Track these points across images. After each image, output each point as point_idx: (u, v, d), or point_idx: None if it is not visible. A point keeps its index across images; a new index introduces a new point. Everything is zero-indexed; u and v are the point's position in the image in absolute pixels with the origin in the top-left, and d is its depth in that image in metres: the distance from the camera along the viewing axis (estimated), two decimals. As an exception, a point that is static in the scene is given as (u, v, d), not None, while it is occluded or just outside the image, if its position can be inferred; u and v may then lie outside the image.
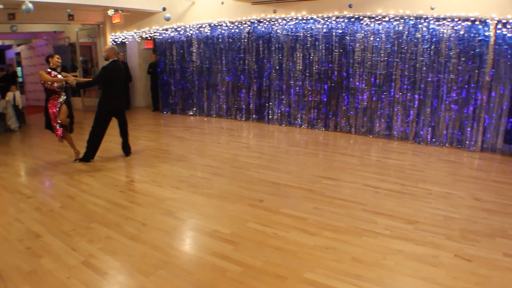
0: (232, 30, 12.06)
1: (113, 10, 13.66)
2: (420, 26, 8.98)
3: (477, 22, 8.37)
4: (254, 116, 12.14)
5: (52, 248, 4.53)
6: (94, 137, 8.16)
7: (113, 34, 15.35)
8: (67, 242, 4.66)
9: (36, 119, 15.50)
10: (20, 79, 21.83)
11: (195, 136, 10.43)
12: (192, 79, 13.47)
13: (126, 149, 8.60)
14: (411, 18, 9.04)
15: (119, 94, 8.17)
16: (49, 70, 7.90)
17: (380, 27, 9.47)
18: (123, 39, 15.20)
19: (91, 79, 8.71)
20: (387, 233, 4.71)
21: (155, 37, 14.35)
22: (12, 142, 10.99)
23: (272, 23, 11.14)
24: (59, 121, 7.98)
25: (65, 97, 8.04)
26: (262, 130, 10.96)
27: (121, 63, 8.28)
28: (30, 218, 5.42)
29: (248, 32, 11.74)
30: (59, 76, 7.92)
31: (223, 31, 12.29)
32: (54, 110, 7.92)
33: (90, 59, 17.18)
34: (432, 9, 8.68)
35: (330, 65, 10.34)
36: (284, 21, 10.87)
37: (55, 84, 7.84)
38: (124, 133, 8.50)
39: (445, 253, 4.29)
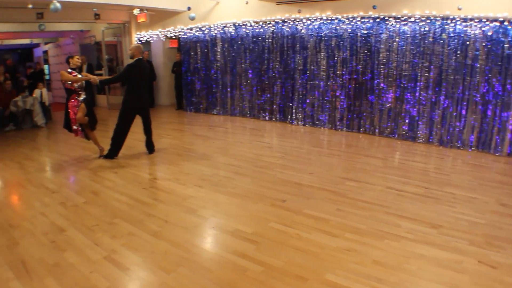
0: (257, 30, 12.09)
1: (138, 9, 13.80)
2: (446, 27, 8.84)
3: (506, 23, 8.19)
4: (277, 116, 12.13)
5: (76, 243, 4.60)
6: (118, 134, 8.26)
7: (138, 33, 15.51)
8: (90, 237, 4.73)
9: (62, 116, 15.65)
10: (47, 77, 22.18)
11: (218, 135, 10.48)
12: (216, 78, 13.53)
13: (150, 147, 8.68)
14: (437, 18, 8.90)
15: (143, 92, 8.25)
16: (69, 70, 8.00)
17: (406, 27, 9.35)
18: (148, 38, 15.33)
19: (113, 76, 8.84)
20: (410, 237, 4.65)
21: (179, 36, 14.45)
22: (39, 138, 11.16)
23: (297, 23, 11.11)
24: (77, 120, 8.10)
25: (85, 96, 8.13)
26: (285, 130, 10.95)
27: (146, 62, 8.33)
28: (54, 213, 5.51)
29: (273, 32, 11.74)
30: (80, 76, 8.02)
31: (247, 31, 12.33)
32: (75, 109, 8.03)
33: (115, 58, 17.38)
34: (460, 9, 8.52)
35: (354, 65, 10.26)
36: (309, 21, 10.83)
37: (75, 84, 7.95)
38: (148, 131, 8.59)
39: (469, 259, 4.22)
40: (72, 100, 8.00)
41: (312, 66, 10.99)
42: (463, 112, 8.89)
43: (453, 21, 8.72)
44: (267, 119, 12.38)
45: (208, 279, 3.85)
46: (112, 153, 8.33)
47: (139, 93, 8.18)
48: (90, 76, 8.14)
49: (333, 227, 4.89)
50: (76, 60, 8.11)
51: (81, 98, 8.05)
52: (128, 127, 8.29)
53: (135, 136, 9.76)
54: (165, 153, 8.71)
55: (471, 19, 8.52)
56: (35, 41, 22.56)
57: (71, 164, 8.09)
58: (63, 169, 7.81)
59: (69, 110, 8.06)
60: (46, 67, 22.88)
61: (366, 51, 10.05)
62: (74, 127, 8.14)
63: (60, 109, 17.74)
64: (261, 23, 11.92)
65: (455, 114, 8.98)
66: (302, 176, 6.89)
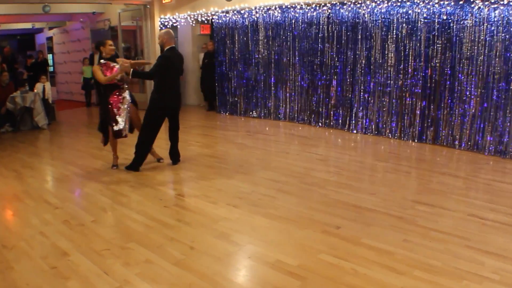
0: (308, 14, 12.15)
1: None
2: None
3: None
4: (333, 121, 12.13)
5: (81, 270, 4.70)
6: (145, 141, 8.31)
7: (162, 16, 15.79)
8: (99, 263, 4.82)
9: (68, 115, 16.14)
10: (51, 69, 22.79)
11: (258, 144, 10.60)
12: (257, 73, 13.68)
13: (175, 156, 8.79)
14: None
15: (176, 89, 8.39)
16: (102, 61, 8.07)
17: (496, 12, 9.22)
18: (174, 23, 15.59)
19: (148, 70, 8.82)
20: (496, 278, 4.58)
21: (213, 20, 14.67)
22: (40, 142, 11.48)
23: (359, 5, 11.11)
24: (125, 127, 8.18)
25: (128, 91, 8.28)
26: (342, 140, 10.96)
27: (177, 51, 8.38)
28: (56, 233, 5.65)
29: (328, 17, 11.77)
30: (117, 66, 8.07)
31: (296, 15, 12.42)
32: (118, 106, 8.11)
33: (133, 46, 17.72)
34: None
35: (430, 60, 10.17)
36: (374, 3, 10.81)
37: (118, 77, 8.04)
38: (174, 137, 8.68)
39: None
40: (114, 96, 8.12)
41: (377, 60, 10.96)
42: None
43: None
44: (320, 125, 12.39)
45: (242, 321, 3.89)
46: (137, 164, 8.37)
47: (172, 89, 8.24)
48: (126, 62, 7.95)
49: (398, 262, 4.85)
50: (109, 47, 8.21)
51: (125, 95, 8.20)
52: (157, 132, 8.39)
53: (157, 142, 9.87)
54: (193, 164, 8.82)
55: None
56: (37, 25, 23.15)
57: (78, 175, 8.30)
58: (68, 180, 8.03)
59: (112, 108, 8.12)
60: (50, 56, 23.52)
61: (445, 41, 9.94)
62: (116, 128, 8.16)
63: (65, 107, 18.25)
64: (314, 5, 11.94)
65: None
66: (361, 197, 6.86)
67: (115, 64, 8.08)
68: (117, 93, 8.12)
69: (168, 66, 7.99)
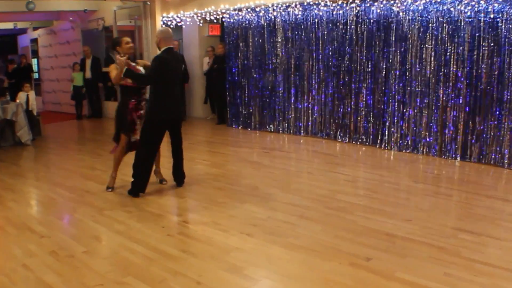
0: (334, 12, 12.21)
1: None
2: None
3: None
4: (362, 136, 12.14)
5: (72, 309, 4.74)
6: (144, 160, 8.16)
7: (164, 14, 15.89)
8: (93, 301, 4.86)
9: (55, 130, 16.24)
10: (35, 75, 22.91)
11: (276, 162, 10.62)
12: (275, 80, 13.73)
13: (179, 176, 8.74)
14: None
15: (176, 97, 8.24)
16: (122, 58, 7.97)
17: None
18: (179, 23, 15.67)
19: (143, 73, 8.48)
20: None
21: (223, 19, 14.75)
22: (23, 160, 11.55)
23: (392, 2, 11.14)
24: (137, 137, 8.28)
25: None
26: (373, 158, 11.01)
27: (175, 53, 8.35)
28: (42, 265, 5.64)
29: (357, 15, 11.82)
30: (141, 69, 8.20)
31: (320, 13, 12.48)
32: (138, 114, 8.24)
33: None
34: None
35: (475, 65, 10.14)
36: (410, 0, 10.84)
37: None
38: (177, 154, 8.58)
39: None
40: (133, 101, 8.19)
41: (414, 66, 10.94)
42: None
43: None
44: (347, 140, 12.41)
45: None
46: (138, 187, 8.21)
47: (171, 98, 8.09)
48: (121, 59, 7.87)
49: (439, 300, 4.84)
50: (126, 45, 8.20)
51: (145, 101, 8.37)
52: (156, 149, 8.34)
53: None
54: (201, 185, 8.85)
55: None
56: (20, 25, 23.27)
57: (67, 198, 8.33)
58: (55, 205, 8.07)
59: (131, 115, 8.20)
60: (34, 61, 23.68)
61: (492, 44, 9.95)
62: (133, 139, 8.29)
63: (52, 120, 18.36)
64: (340, 2, 11.98)
65: None
66: (395, 224, 6.85)
67: (135, 64, 8.19)
68: (137, 99, 8.24)
69: (164, 70, 7.89)
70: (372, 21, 11.59)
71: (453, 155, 10.60)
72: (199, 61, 16.71)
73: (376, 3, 11.40)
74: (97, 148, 12.99)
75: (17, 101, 13.37)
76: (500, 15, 9.76)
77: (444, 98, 10.61)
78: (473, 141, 10.36)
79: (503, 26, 9.74)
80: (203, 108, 17.18)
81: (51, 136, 15.00)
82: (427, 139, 10.98)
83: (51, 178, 9.88)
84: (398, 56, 11.21)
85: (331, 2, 12.08)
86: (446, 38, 10.46)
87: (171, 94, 8.07)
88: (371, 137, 12.01)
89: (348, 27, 12.01)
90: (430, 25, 10.67)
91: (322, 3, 12.22)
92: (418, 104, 11.01)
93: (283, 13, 13.16)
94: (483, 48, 10.01)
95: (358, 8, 11.75)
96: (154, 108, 8.04)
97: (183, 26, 16.17)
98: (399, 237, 6.38)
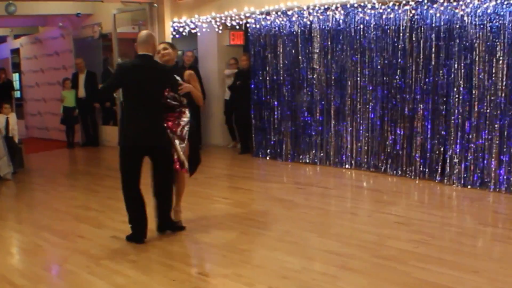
0: (384, 17, 12.18)
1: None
2: None
3: None
4: (418, 168, 12.00)
5: None
6: (124, 195, 8.37)
7: (175, 19, 16.06)
8: None
9: (41, 160, 16.49)
10: (17, 94, 23.15)
11: (312, 201, 10.72)
12: (311, 100, 13.75)
13: (161, 220, 8.69)
14: None
15: (149, 118, 8.15)
16: None
17: None
18: (193, 29, 15.82)
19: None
20: None
21: (248, 25, 14.80)
22: (2, 198, 11.68)
23: (455, 4, 11.05)
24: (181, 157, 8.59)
25: (189, 117, 8.71)
26: (431, 194, 11.04)
27: (153, 62, 8.33)
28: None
29: (412, 20, 11.77)
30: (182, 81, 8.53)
31: (367, 18, 12.47)
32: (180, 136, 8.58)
33: (135, 62, 18.19)
34: None
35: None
36: (477, 1, 10.75)
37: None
38: (159, 191, 8.62)
39: None
40: (169, 122, 8.53)
41: (482, 82, 10.81)
42: None
43: None
44: (400, 173, 12.30)
45: None
46: (132, 230, 8.35)
47: (138, 119, 8.11)
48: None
49: None
50: (163, 52, 8.53)
51: (186, 119, 8.64)
52: (131, 181, 8.33)
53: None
54: (220, 229, 8.99)
55: None
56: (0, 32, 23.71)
57: (56, 245, 8.54)
58: (41, 253, 8.25)
59: (172, 137, 8.54)
60: (16, 76, 23.91)
61: None
62: (177, 166, 8.55)
63: (39, 149, 18.58)
64: (391, 4, 11.93)
65: None
66: (458, 277, 6.83)
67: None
68: (175, 115, 8.59)
69: (122, 81, 8.17)
70: (430, 27, 11.52)
71: (531, 192, 10.57)
72: (218, 76, 16.80)
73: (435, 5, 11.31)
74: (92, 184, 13.09)
75: (-5, 125, 13.66)
76: None
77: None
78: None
79: None
80: (223, 134, 17.23)
81: (36, 168, 15.23)
82: (498, 172, 10.82)
83: (37, 220, 9.97)
84: (462, 70, 11.04)
85: (380, 4, 12.06)
86: (522, 48, 10.44)
87: (139, 113, 8.13)
88: (428, 169, 11.92)
89: (401, 34, 11.98)
90: (502, 32, 10.54)
91: (369, 5, 12.22)
92: (487, 129, 10.86)
93: (321, 17, 13.18)
94: None
95: (413, 12, 11.70)
96: (120, 131, 8.51)
97: (199, 34, 16.37)
98: (462, 293, 6.49)
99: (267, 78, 14.62)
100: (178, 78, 8.43)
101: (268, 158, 14.93)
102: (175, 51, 8.70)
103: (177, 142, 8.52)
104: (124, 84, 8.13)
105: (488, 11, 10.74)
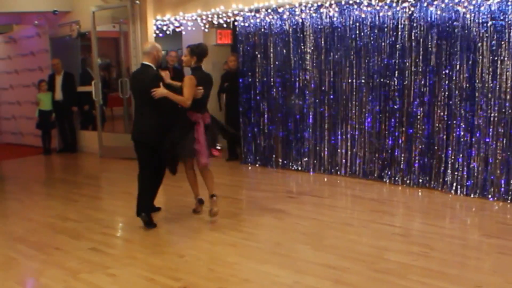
0: (381, 14, 12.18)
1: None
2: None
3: None
4: (417, 176, 12.02)
5: None
6: (143, 181, 9.89)
7: (159, 17, 15.98)
8: None
9: (15, 167, 16.44)
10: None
11: (304, 210, 10.69)
12: (303, 104, 13.74)
13: (138, 205, 9.77)
14: None
15: (143, 116, 9.84)
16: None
17: None
18: (177, 27, 15.82)
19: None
20: None
21: (236, 24, 14.81)
22: (-26, 208, 11.76)
23: (455, 1, 11.04)
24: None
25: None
26: (432, 204, 11.00)
27: (147, 70, 9.33)
28: None
29: (410, 19, 11.77)
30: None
31: (363, 15, 12.45)
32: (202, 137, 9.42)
33: (115, 63, 18.05)
34: None
35: None
36: (478, -2, 10.83)
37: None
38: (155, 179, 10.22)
39: None
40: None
41: (486, 84, 10.77)
42: None
43: None
44: (398, 181, 12.30)
45: None
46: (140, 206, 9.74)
47: (136, 117, 10.22)
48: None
49: None
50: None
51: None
52: (146, 169, 9.85)
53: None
54: (205, 241, 8.99)
55: None
56: (-32, 32, 23.60)
57: (31, 258, 8.44)
58: (15, 266, 8.18)
59: (197, 139, 9.44)
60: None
61: None
62: (203, 161, 9.59)
63: (12, 155, 18.58)
64: (389, 1, 11.91)
65: None
66: None
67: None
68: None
69: (130, 86, 9.73)
70: (430, 25, 11.50)
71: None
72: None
73: (435, 2, 11.29)
74: (69, 193, 12.98)
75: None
76: None
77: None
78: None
79: None
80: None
81: (10, 176, 15.19)
82: (502, 181, 10.82)
83: (10, 231, 9.92)
84: (464, 72, 11.02)
85: (377, 1, 12.03)
86: (529, 47, 10.44)
87: (137, 114, 10.13)
88: (428, 177, 11.88)
89: (399, 33, 11.94)
90: (507, 30, 10.52)
91: (365, 2, 12.18)
92: (490, 134, 10.83)
93: (314, 15, 13.15)
94: None
95: (412, 9, 11.67)
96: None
97: (183, 33, 16.37)
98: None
99: (257, 79, 14.58)
100: (170, 83, 9.81)
101: (257, 165, 14.94)
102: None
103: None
104: (130, 90, 10.17)
105: (492, 8, 10.69)
